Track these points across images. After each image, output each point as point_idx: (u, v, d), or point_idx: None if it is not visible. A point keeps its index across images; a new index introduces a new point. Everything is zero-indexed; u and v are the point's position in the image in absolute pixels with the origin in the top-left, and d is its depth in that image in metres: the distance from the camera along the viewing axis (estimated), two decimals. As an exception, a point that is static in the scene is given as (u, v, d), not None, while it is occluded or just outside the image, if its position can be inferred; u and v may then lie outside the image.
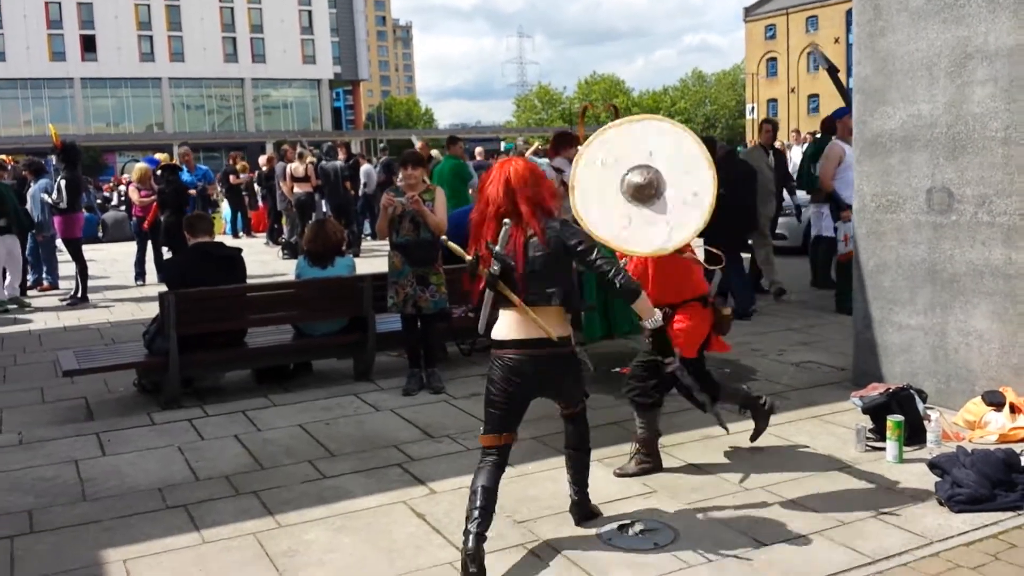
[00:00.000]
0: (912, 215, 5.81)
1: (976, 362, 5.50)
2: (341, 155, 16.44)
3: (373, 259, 13.56)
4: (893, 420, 4.80)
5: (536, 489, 4.60)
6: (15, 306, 10.82)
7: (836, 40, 70.61)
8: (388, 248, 6.64)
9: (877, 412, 5.11)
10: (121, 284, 12.80)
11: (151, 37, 68.86)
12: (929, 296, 5.74)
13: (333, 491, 4.67)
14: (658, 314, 3.82)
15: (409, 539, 4.06)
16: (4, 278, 10.89)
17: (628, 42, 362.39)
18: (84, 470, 5.11)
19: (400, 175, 6.41)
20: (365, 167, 17.34)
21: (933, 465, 4.52)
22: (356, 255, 13.54)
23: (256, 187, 19.23)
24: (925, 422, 5.07)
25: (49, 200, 11.36)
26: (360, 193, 16.81)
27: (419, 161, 6.49)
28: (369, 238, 17.27)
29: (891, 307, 5.98)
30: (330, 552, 3.97)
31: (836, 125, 9.68)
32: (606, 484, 4.62)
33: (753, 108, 69.80)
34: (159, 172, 12.56)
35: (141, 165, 13.03)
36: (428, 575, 3.72)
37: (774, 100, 76.46)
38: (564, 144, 8.88)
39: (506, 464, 3.87)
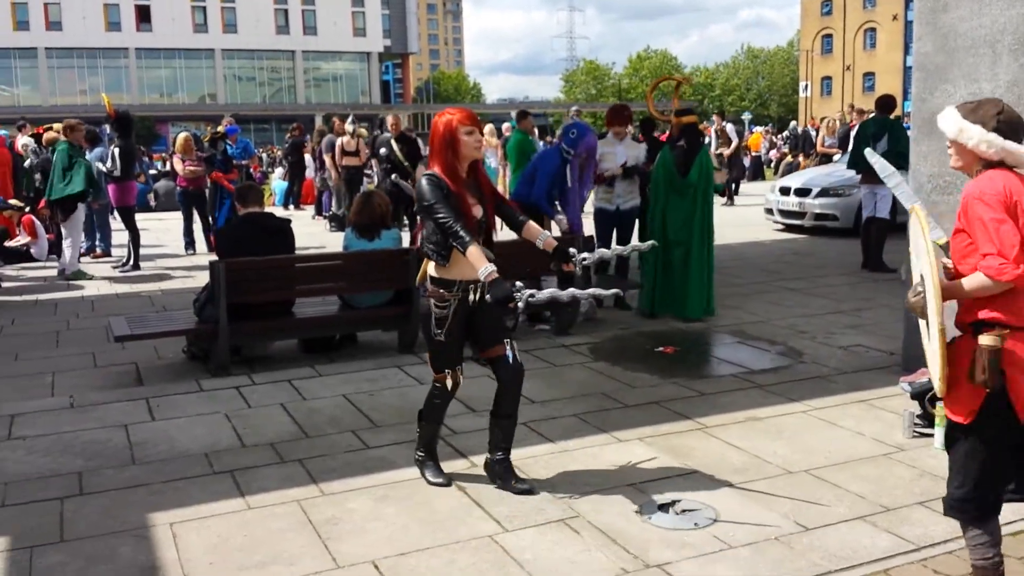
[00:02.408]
0: (969, 197, 5.65)
1: (1031, 349, 5.34)
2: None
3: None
4: (942, 406, 4.71)
5: (576, 465, 4.60)
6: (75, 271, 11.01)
7: (895, 17, 68.97)
8: None
9: (926, 398, 5.03)
10: (173, 253, 12.99)
11: (204, 8, 69.38)
12: (984, 281, 5.58)
13: (376, 461, 4.72)
14: (489, 267, 3.88)
15: (450, 511, 4.08)
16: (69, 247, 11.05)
17: (682, 17, 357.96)
18: (133, 434, 5.21)
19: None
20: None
21: (983, 453, 4.42)
22: (402, 228, 13.57)
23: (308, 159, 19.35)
24: (976, 409, 4.95)
25: (103, 168, 11.57)
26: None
27: None
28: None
29: (944, 291, 5.82)
30: (372, 521, 4.01)
31: (894, 103, 9.56)
32: (646, 464, 4.61)
33: (807, 86, 68.52)
34: (207, 142, 12.78)
35: (184, 135, 13.15)
36: (468, 547, 3.74)
37: (828, 78, 74.98)
38: (612, 121, 8.63)
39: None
